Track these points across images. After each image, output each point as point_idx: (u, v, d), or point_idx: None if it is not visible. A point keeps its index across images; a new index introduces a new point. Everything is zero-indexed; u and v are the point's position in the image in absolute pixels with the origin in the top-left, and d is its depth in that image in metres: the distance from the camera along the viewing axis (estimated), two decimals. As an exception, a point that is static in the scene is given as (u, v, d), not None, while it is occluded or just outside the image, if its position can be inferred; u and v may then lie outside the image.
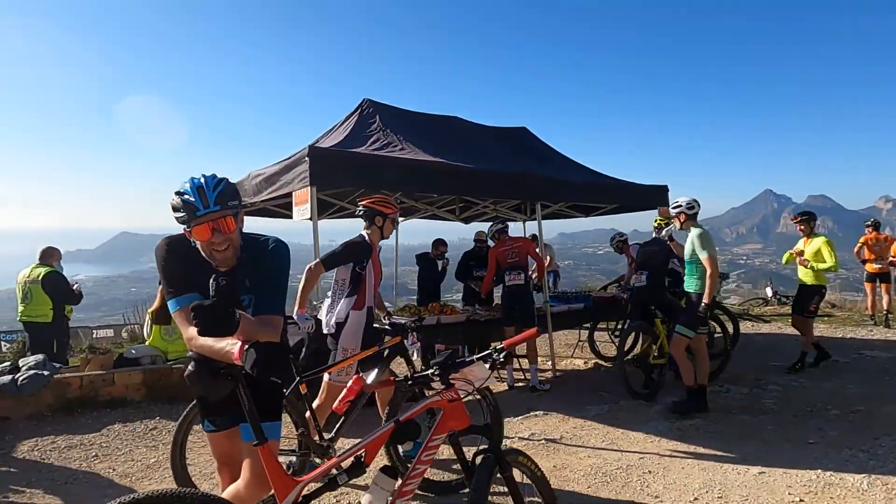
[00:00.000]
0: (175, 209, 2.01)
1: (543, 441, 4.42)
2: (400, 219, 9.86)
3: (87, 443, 4.61)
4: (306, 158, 5.17)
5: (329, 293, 4.07)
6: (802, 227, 6.81)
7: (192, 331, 1.90)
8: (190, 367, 1.86)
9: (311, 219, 5.21)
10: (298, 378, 3.30)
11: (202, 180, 1.99)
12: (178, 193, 2.02)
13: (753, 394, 5.62)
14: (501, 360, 2.02)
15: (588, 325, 7.80)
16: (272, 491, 2.32)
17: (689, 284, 5.24)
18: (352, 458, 1.95)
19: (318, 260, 3.94)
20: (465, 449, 2.10)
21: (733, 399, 5.49)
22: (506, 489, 2.07)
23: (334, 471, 1.93)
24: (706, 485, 3.52)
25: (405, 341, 3.91)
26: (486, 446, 2.04)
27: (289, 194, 5.70)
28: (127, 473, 4.01)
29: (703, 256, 4.99)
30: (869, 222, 10.12)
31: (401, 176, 5.79)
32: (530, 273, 6.41)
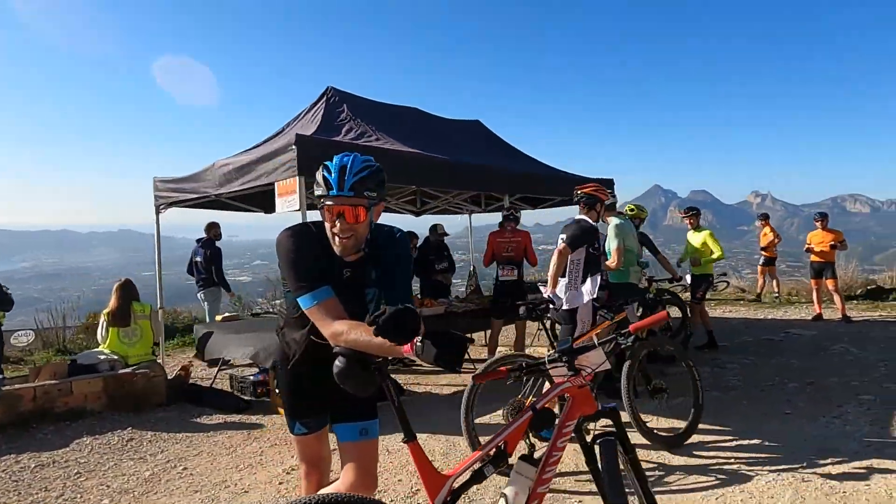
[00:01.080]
0: (316, 182, 1.90)
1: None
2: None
3: (60, 460, 4.15)
4: (293, 147, 4.95)
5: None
6: (691, 220, 7.60)
7: (339, 326, 1.80)
8: (339, 364, 1.75)
9: (299, 210, 4.99)
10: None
11: (350, 161, 1.87)
12: (323, 166, 1.90)
13: (716, 373, 6.07)
14: (629, 343, 2.08)
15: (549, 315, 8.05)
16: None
17: (613, 275, 5.51)
18: (494, 449, 1.93)
19: (564, 243, 4.28)
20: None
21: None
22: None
23: (479, 463, 1.90)
24: (720, 456, 3.80)
25: None
26: (601, 430, 2.08)
27: (266, 185, 5.42)
28: (125, 489, 3.66)
29: (612, 246, 5.27)
30: (760, 216, 11.81)
31: (386, 168, 5.67)
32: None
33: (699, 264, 7.26)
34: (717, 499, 3.19)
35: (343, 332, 1.78)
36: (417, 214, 9.91)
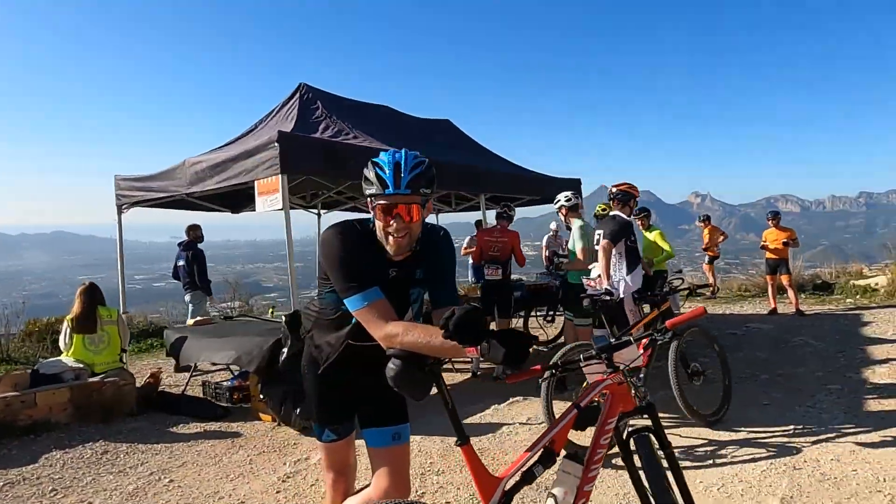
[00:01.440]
0: (366, 180, 1.83)
1: (541, 424, 4.57)
2: (322, 211, 9.49)
3: (30, 476, 3.87)
4: (275, 144, 4.81)
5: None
6: (641, 221, 7.94)
7: (393, 328, 1.74)
8: (394, 367, 1.69)
9: (282, 209, 4.85)
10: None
11: (402, 157, 1.81)
12: (374, 163, 1.83)
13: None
14: (666, 339, 2.10)
15: (522, 312, 8.12)
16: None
17: (573, 276, 5.50)
18: (542, 449, 1.90)
19: (606, 239, 4.69)
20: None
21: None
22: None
23: (528, 463, 1.88)
24: (710, 447, 3.91)
25: None
26: (636, 426, 2.10)
27: (243, 184, 5.25)
28: (109, 505, 3.45)
29: (578, 247, 5.33)
30: (702, 216, 12.44)
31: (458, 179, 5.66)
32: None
33: (652, 264, 7.48)
34: (718, 489, 3.28)
35: (398, 333, 1.72)
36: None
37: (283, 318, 4.67)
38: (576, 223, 5.52)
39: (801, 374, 5.68)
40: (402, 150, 1.82)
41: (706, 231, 11.91)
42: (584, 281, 4.98)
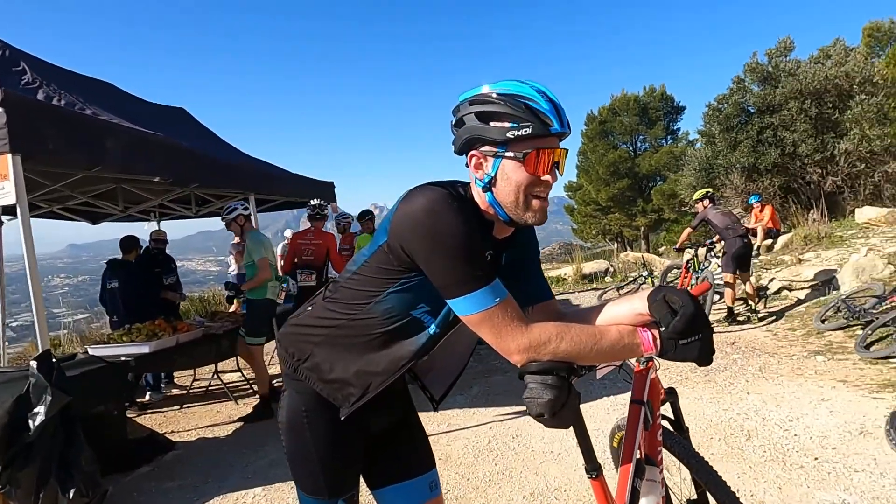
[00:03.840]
0: (503, 116, 1.26)
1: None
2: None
3: None
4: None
5: None
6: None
7: (541, 332, 1.25)
8: (544, 393, 1.21)
9: (16, 203, 3.32)
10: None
11: (549, 90, 1.28)
12: (505, 96, 1.26)
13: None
14: None
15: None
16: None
17: (252, 292, 5.08)
18: (635, 461, 1.63)
19: None
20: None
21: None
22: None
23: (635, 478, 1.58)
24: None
25: None
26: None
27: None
28: None
29: (256, 258, 4.98)
30: None
31: (127, 152, 4.23)
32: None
33: None
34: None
35: (549, 339, 1.23)
36: (96, 221, 7.75)
37: (32, 363, 3.26)
38: (250, 235, 5.10)
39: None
40: (536, 83, 1.31)
41: None
42: None
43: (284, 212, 9.46)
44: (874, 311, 5.64)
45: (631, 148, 28.02)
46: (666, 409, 2.09)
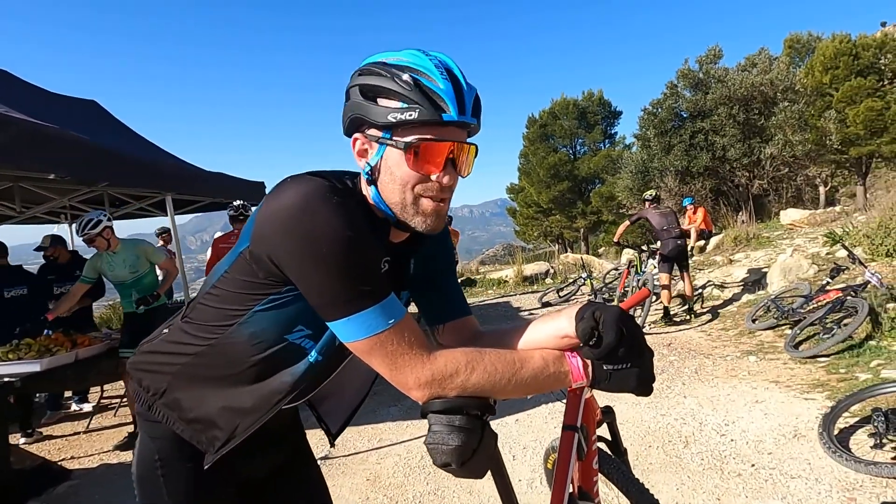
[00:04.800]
0: (378, 90, 1.00)
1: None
2: None
3: None
4: None
5: None
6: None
7: (447, 362, 1.00)
8: (455, 438, 0.98)
9: None
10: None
11: (454, 65, 1.03)
12: (398, 67, 1.00)
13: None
14: None
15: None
16: None
17: (127, 305, 4.84)
18: (568, 496, 1.43)
19: None
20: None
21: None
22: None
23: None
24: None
25: None
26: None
27: None
28: None
29: (160, 261, 5.00)
30: None
31: (13, 145, 3.73)
32: None
33: None
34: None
35: (457, 371, 1.00)
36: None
37: None
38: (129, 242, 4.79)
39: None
40: (442, 55, 1.07)
41: None
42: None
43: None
44: (802, 311, 5.76)
45: (571, 151, 28.53)
46: (603, 430, 1.94)
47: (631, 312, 1.52)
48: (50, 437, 5.03)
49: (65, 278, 5.77)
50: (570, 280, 10.74)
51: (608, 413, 1.86)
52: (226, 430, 1.13)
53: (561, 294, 10.06)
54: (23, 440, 4.83)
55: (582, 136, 28.08)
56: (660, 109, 17.08)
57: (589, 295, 9.58)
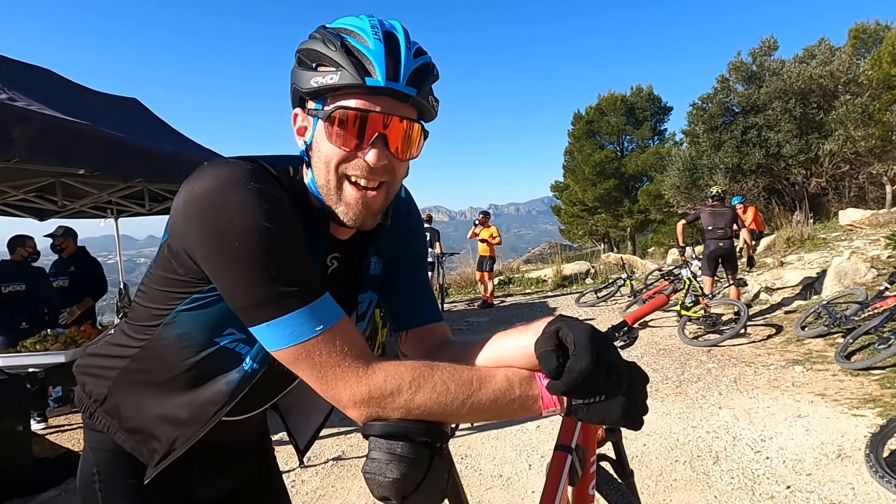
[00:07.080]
0: (309, 56, 0.90)
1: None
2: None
3: None
4: None
5: None
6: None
7: (386, 377, 0.85)
8: (398, 466, 0.82)
9: None
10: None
11: (398, 29, 0.91)
12: (333, 30, 0.90)
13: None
14: (635, 338, 1.70)
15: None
16: None
17: None
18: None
19: None
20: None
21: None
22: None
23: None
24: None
25: None
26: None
27: None
28: None
29: None
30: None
31: (43, 137, 3.83)
32: None
33: None
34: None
35: (399, 389, 0.84)
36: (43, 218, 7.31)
37: None
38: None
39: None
40: (395, 22, 0.94)
41: None
42: None
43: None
44: (856, 318, 5.35)
45: (618, 148, 27.83)
46: (608, 448, 1.79)
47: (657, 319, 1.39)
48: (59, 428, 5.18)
49: (61, 273, 5.94)
50: (610, 280, 10.42)
51: (613, 431, 1.70)
52: (164, 443, 1.05)
53: (599, 295, 9.77)
54: (37, 426, 4.84)
55: (630, 133, 27.34)
56: (710, 104, 16.36)
57: (629, 297, 9.27)
